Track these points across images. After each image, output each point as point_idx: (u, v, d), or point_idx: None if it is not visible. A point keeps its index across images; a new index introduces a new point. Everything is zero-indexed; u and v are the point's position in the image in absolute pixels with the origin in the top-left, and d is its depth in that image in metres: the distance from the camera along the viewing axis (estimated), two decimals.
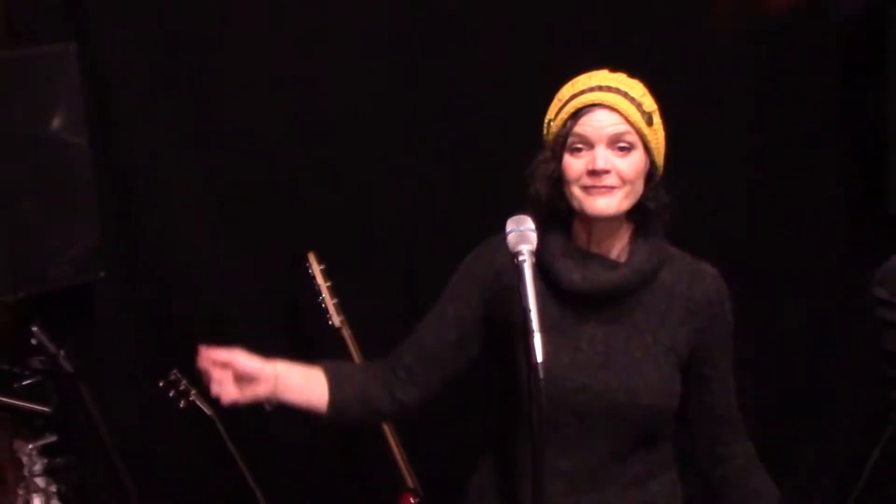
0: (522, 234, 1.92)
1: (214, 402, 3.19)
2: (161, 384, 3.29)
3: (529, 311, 1.86)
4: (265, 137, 3.52)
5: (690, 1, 3.84)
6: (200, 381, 3.22)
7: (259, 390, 2.06)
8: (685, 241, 4.08)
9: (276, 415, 3.56)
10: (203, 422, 3.29)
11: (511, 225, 1.95)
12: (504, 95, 3.69)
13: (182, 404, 3.29)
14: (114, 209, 3.33)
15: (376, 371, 2.21)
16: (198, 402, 3.28)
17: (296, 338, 3.61)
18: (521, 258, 1.90)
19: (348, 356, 3.27)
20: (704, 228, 3.83)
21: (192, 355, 3.39)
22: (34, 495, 2.97)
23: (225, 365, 2.09)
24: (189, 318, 3.54)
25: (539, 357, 1.84)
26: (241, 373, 2.07)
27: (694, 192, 3.86)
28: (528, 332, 1.86)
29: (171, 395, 3.29)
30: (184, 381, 3.29)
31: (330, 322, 3.27)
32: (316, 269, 3.28)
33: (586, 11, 3.72)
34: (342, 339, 3.27)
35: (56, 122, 3.02)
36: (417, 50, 3.62)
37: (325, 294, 3.28)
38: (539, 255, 1.98)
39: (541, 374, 1.85)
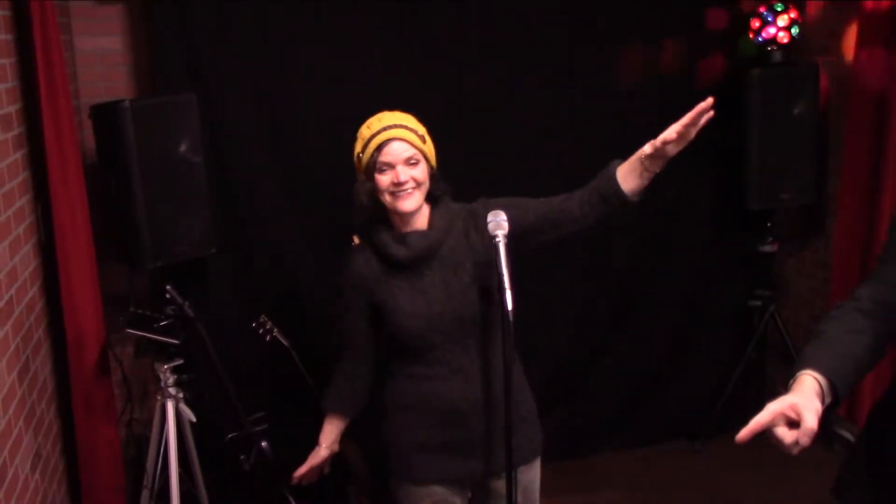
0: (498, 223, 2.06)
1: (290, 336, 3.31)
2: (253, 325, 3.32)
3: (503, 275, 1.98)
4: (322, 157, 3.51)
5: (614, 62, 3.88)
6: (280, 323, 3.32)
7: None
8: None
9: (328, 351, 3.66)
10: (282, 350, 3.31)
11: (490, 217, 2.08)
12: (508, 110, 3.67)
13: (267, 338, 3.31)
14: (221, 206, 3.35)
15: (349, 381, 2.38)
16: (279, 337, 3.30)
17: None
18: (496, 240, 2.04)
19: None
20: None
21: (274, 305, 3.47)
22: (167, 400, 2.99)
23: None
24: (272, 281, 3.58)
25: (510, 306, 1.96)
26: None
27: None
28: (502, 290, 1.97)
29: (259, 332, 3.31)
30: (269, 323, 3.31)
31: None
32: None
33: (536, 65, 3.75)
34: None
35: (182, 147, 3.02)
36: (435, 88, 3.57)
37: None
38: (375, 246, 2.21)
39: (510, 318, 1.96)
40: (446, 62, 3.64)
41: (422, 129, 2.20)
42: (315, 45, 3.49)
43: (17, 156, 2.70)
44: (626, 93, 3.88)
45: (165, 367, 3.02)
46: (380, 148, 2.13)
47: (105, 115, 2.96)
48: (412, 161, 2.14)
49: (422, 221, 2.24)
